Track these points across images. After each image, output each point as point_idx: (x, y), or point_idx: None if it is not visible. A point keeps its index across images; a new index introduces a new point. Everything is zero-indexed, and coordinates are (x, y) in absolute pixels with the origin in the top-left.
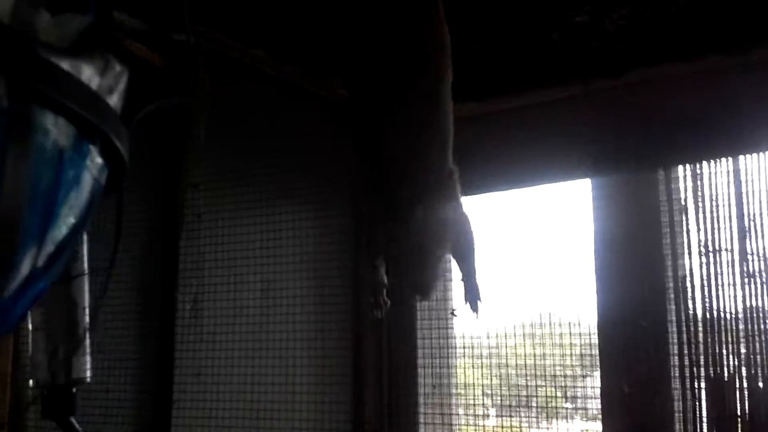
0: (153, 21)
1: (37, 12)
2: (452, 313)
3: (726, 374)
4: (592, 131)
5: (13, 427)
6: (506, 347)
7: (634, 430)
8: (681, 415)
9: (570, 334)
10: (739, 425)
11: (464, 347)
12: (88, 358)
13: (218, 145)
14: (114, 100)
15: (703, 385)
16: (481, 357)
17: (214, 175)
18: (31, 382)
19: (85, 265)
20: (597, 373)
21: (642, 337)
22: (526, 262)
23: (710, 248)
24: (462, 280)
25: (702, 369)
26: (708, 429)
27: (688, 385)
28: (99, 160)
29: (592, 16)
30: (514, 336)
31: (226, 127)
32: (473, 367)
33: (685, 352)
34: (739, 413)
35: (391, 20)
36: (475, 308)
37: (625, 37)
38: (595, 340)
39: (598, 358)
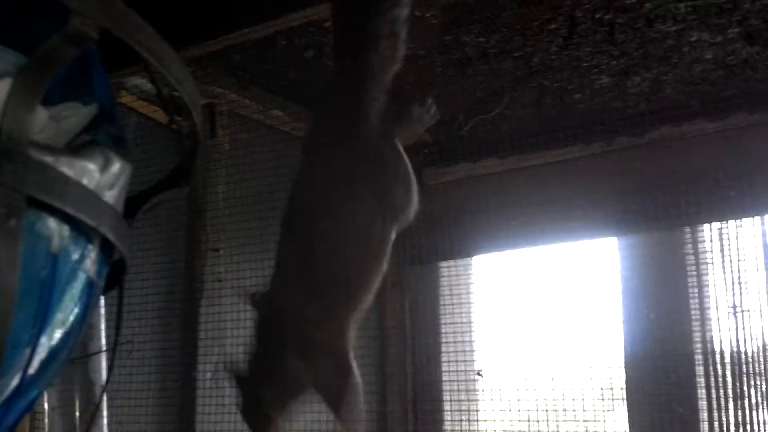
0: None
1: (31, 110)
2: (478, 374)
3: None
4: (615, 189)
5: None
6: (526, 384)
7: None
8: None
9: (591, 368)
10: None
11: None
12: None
13: (239, 208)
14: (114, 197)
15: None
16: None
17: (235, 239)
18: None
19: (103, 341)
20: (619, 409)
21: (670, 398)
22: (550, 309)
23: (738, 308)
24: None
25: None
26: None
27: None
28: (97, 260)
29: (615, 79)
30: (536, 374)
31: (246, 188)
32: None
33: (715, 417)
34: None
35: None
36: None
37: (648, 97)
38: (616, 375)
39: (619, 392)
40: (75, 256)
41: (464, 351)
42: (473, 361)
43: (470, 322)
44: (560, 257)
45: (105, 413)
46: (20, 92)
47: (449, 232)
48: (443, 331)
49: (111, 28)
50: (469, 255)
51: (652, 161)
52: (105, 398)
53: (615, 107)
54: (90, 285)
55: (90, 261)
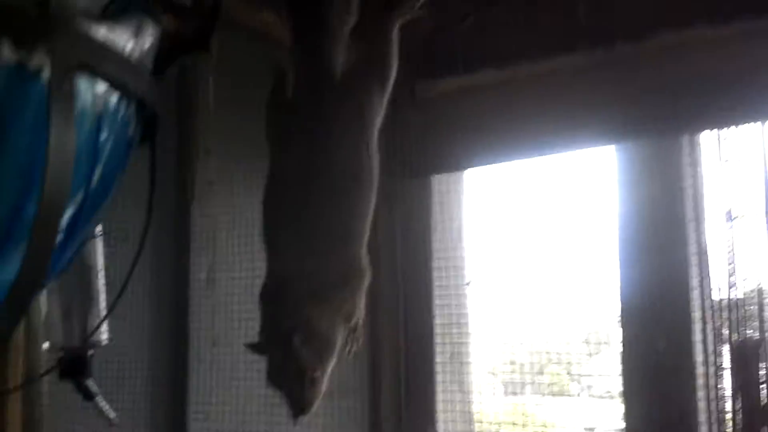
0: None
1: None
2: (467, 284)
3: (749, 344)
4: (614, 97)
5: (27, 392)
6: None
7: (657, 410)
8: (704, 392)
9: (576, 312)
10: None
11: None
12: (103, 321)
13: (229, 110)
14: (146, 59)
15: (727, 357)
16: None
17: (226, 140)
18: (45, 344)
19: (99, 227)
20: (603, 353)
21: (664, 313)
22: (543, 224)
23: (734, 215)
24: None
25: (725, 342)
26: (732, 396)
27: (711, 361)
28: (133, 118)
29: None
30: (522, 315)
31: (236, 91)
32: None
33: (708, 328)
34: (763, 386)
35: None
36: None
37: None
38: (601, 318)
39: (603, 336)
40: (115, 115)
41: (455, 266)
42: (463, 275)
43: (461, 237)
44: (554, 170)
45: (103, 297)
46: None
47: (442, 145)
48: (434, 245)
49: None
50: (463, 168)
51: (651, 68)
52: (103, 283)
53: (617, 10)
54: (128, 141)
55: (127, 119)
